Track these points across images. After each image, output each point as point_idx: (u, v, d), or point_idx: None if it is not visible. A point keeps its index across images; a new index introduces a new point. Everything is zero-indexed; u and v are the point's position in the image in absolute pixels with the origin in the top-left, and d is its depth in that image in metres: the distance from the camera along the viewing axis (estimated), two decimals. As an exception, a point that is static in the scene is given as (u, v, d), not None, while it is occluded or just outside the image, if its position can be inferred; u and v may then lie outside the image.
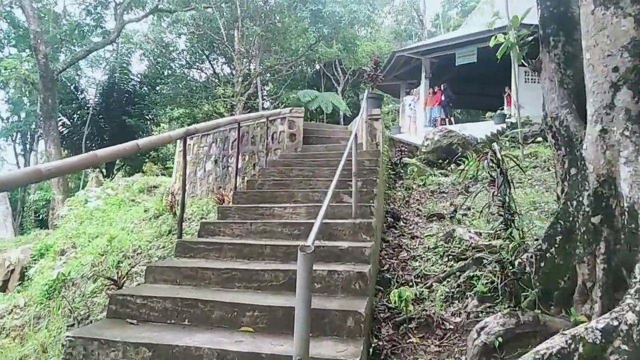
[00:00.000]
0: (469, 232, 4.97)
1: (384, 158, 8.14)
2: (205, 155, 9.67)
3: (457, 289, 4.20)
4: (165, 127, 22.69)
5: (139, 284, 5.08)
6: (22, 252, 9.94)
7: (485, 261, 4.25)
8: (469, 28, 16.19)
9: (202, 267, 4.00)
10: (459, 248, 4.79)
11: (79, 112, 24.04)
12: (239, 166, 8.58)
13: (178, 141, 10.51)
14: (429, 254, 5.12)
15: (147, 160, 22.26)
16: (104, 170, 24.70)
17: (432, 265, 4.85)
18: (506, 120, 13.42)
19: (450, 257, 4.75)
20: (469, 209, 6.34)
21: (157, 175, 14.47)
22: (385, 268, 4.93)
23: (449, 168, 8.91)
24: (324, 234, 4.74)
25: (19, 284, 9.48)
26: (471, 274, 4.24)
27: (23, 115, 25.55)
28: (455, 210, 6.43)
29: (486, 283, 4.02)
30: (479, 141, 9.80)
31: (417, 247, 5.44)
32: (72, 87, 24.12)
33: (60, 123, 23.43)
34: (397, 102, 20.18)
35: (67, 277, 7.26)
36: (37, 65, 18.42)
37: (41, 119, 19.31)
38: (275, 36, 20.19)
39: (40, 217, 22.25)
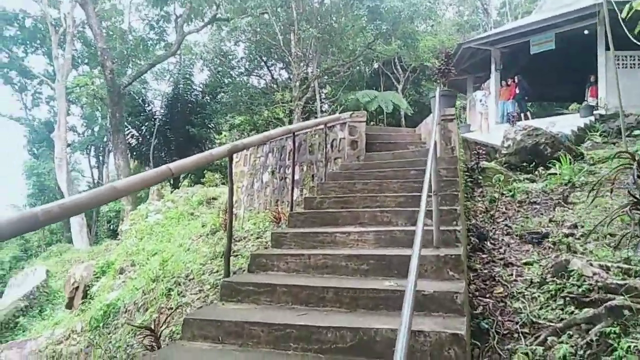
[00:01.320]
0: (591, 264, 3.73)
1: (460, 164, 6.97)
2: (262, 165, 8.92)
3: (587, 350, 3.04)
4: (226, 135, 22.49)
5: (174, 340, 4.32)
6: (86, 269, 9.71)
7: (627, 313, 3.05)
8: (542, 13, 14.40)
9: (249, 321, 3.12)
10: (579, 287, 3.58)
11: (146, 124, 24.49)
12: (296, 178, 7.73)
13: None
14: (534, 290, 3.94)
15: (211, 168, 22.17)
16: (171, 179, 25.09)
17: (541, 309, 3.68)
18: (594, 112, 11.64)
19: (568, 299, 3.55)
20: (575, 226, 5.04)
21: (216, 186, 14.03)
22: (478, 311, 3.82)
23: (536, 172, 7.53)
24: (397, 270, 3.73)
25: (82, 302, 9.22)
26: (606, 328, 3.06)
27: (96, 129, 26.48)
28: (553, 228, 5.17)
29: (634, 347, 2.84)
30: (564, 137, 8.31)
31: (515, 280, 4.27)
32: (139, 100, 24.60)
33: (129, 135, 24.02)
34: (463, 98, 18.60)
35: (121, 303, 6.75)
36: (105, 81, 18.78)
37: (110, 132, 19.68)
38: (332, 37, 19.30)
39: (112, 227, 22.82)
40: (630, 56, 12.16)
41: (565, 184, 6.76)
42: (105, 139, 26.27)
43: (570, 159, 7.28)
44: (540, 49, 13.38)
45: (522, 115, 13.22)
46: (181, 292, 5.87)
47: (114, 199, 2.96)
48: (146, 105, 25.27)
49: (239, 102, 21.90)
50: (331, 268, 3.89)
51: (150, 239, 9.82)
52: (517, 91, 13.63)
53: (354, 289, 3.38)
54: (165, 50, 21.69)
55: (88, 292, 9.27)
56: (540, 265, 4.38)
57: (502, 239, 5.36)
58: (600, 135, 10.88)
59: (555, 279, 3.86)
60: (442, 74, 6.72)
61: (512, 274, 4.39)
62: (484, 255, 4.92)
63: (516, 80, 13.73)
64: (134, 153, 24.61)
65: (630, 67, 12.16)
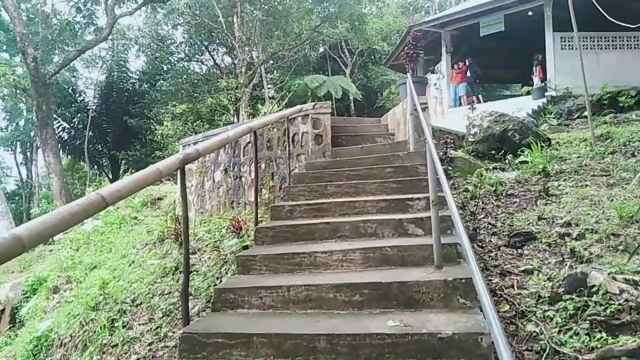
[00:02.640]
0: (614, 278, 3.22)
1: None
2: (213, 163, 7.95)
3: (635, 393, 2.51)
4: (168, 125, 20.89)
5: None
6: (12, 289, 8.35)
7: (681, 346, 2.54)
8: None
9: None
10: (605, 307, 3.06)
11: (78, 115, 22.37)
12: (254, 177, 6.86)
13: (181, 147, 8.82)
14: (546, 308, 3.39)
15: (152, 162, 20.54)
16: (110, 174, 23.16)
17: (561, 333, 3.13)
18: (545, 94, 11.53)
19: (595, 322, 3.03)
20: (568, 224, 4.58)
21: (161, 182, 12.78)
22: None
23: (505, 161, 7.11)
24: (397, 300, 3.05)
25: (10, 327, 7.92)
26: (655, 365, 2.54)
27: (22, 123, 23.84)
28: (544, 227, 4.70)
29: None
30: (531, 122, 7.96)
31: (519, 294, 3.71)
32: (69, 90, 22.38)
33: (60, 128, 21.82)
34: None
35: (54, 335, 5.65)
36: (27, 70, 16.66)
37: (37, 126, 17.60)
38: (277, 20, 18.19)
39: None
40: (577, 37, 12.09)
41: (539, 173, 6.37)
42: (32, 134, 23.77)
43: (540, 145, 6.91)
44: (489, 31, 13.13)
45: (474, 98, 12.95)
46: (127, 322, 4.90)
47: (101, 209, 2.29)
48: (77, 95, 23.08)
49: (180, 90, 20.33)
50: (316, 302, 3.13)
51: (88, 249, 8.60)
52: (469, 74, 13.34)
53: (351, 335, 2.65)
54: (96, 35, 19.58)
55: (16, 315, 7.97)
56: (543, 274, 3.86)
57: (490, 240, 4.83)
58: (554, 117, 10.78)
59: (572, 295, 3.32)
60: (410, 59, 6.04)
61: (513, 286, 3.84)
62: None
63: (467, 63, 13.43)
64: (67, 147, 22.45)
65: (576, 49, 12.11)
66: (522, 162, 6.87)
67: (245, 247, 5.28)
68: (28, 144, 24.97)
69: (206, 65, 23.33)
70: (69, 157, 22.87)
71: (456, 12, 13.61)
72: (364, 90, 20.99)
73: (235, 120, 18.86)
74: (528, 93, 12.05)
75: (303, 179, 5.32)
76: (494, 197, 5.94)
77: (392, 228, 3.94)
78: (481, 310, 3.01)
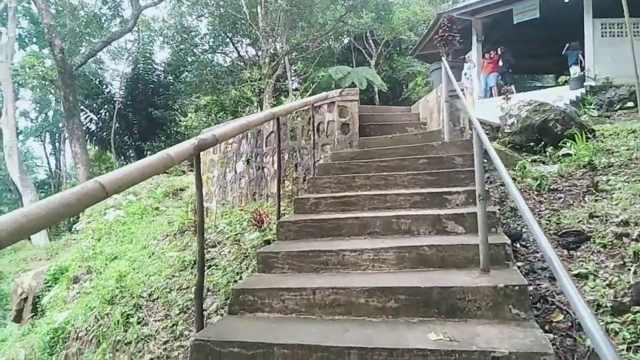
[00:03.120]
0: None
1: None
2: (235, 153, 7.63)
3: None
4: (192, 117, 20.72)
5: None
6: (35, 278, 8.25)
7: None
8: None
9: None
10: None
11: (105, 107, 22.46)
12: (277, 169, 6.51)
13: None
14: (610, 320, 2.92)
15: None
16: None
17: (629, 349, 2.67)
18: (584, 84, 10.80)
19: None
20: (626, 223, 4.06)
21: (183, 173, 12.56)
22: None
23: (545, 153, 6.56)
24: (438, 308, 2.63)
25: (32, 316, 7.81)
26: None
27: (50, 114, 24.11)
28: (596, 225, 4.18)
29: None
30: (574, 112, 7.33)
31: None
32: (96, 82, 22.46)
33: (87, 119, 21.95)
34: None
35: (71, 327, 5.44)
36: (55, 61, 16.72)
37: (65, 116, 17.68)
38: (301, 10, 17.74)
39: (71, 218, 20.91)
40: (618, 24, 11.31)
41: (584, 166, 5.81)
42: (61, 125, 24.03)
43: (585, 137, 6.33)
44: (523, 18, 12.38)
45: (506, 89, 12.28)
46: (142, 318, 4.62)
47: (99, 200, 2.05)
48: (104, 86, 23.15)
49: (204, 82, 20.14)
50: (345, 307, 2.75)
51: (110, 239, 8.42)
52: (501, 63, 12.65)
53: (387, 350, 2.25)
54: (121, 26, 19.57)
55: (38, 304, 7.85)
56: (600, 280, 3.38)
57: (534, 240, 4.34)
58: (594, 108, 10.07)
59: (641, 306, 2.85)
60: (445, 42, 5.55)
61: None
62: (520, 263, 3.89)
63: (499, 52, 12.73)
64: (94, 138, 22.59)
65: (618, 36, 11.33)
66: (564, 155, 6.30)
67: (267, 242, 4.94)
68: (57, 134, 25.27)
69: (230, 57, 23.09)
70: (97, 147, 23.02)
71: (488, -2, 12.89)
72: (389, 82, 20.38)
73: (259, 112, 18.56)
74: (565, 83, 11.30)
75: (329, 170, 4.93)
76: (535, 193, 5.42)
77: (429, 225, 3.52)
78: (537, 323, 2.58)
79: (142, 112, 21.83)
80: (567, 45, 12.58)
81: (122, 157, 24.32)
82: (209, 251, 5.64)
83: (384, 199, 4.01)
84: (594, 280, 3.39)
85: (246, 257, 5.11)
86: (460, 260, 3.04)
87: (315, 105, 5.75)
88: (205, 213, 7.69)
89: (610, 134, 7.04)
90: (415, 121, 6.29)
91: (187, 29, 21.15)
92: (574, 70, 12.07)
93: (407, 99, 19.89)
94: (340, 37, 22.15)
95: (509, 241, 3.11)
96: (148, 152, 22.32)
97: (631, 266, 3.40)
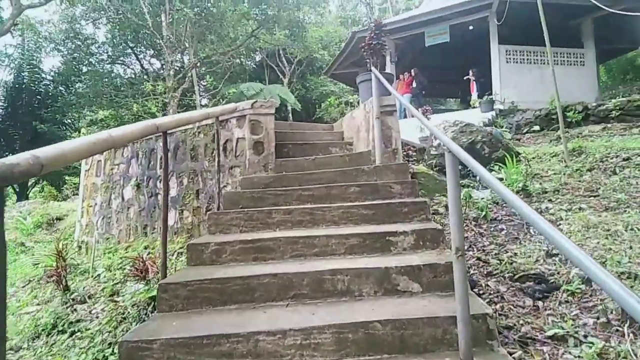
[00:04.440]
0: None
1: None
2: (123, 176, 6.12)
3: None
4: (85, 133, 18.15)
5: None
6: None
7: None
8: (435, 3, 13.41)
9: None
10: None
11: (-19, 121, 19.00)
12: (173, 195, 5.19)
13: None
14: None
15: (66, 173, 17.71)
16: (17, 187, 19.81)
17: None
18: (494, 107, 10.82)
19: None
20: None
21: (65, 199, 10.48)
22: None
23: (475, 177, 6.00)
24: None
25: None
26: None
27: None
28: (554, 266, 3.50)
29: None
30: (499, 134, 6.95)
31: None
32: (-32, 92, 18.98)
33: (-42, 134, 18.36)
34: (353, 91, 17.19)
35: None
36: None
37: None
38: (210, 23, 16.41)
39: None
40: (520, 51, 11.62)
41: (518, 192, 5.28)
42: None
43: (513, 160, 5.87)
44: (435, 41, 12.33)
45: (419, 110, 12.03)
46: None
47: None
48: (-22, 97, 19.63)
49: (101, 94, 17.82)
50: None
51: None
52: (414, 85, 12.43)
53: None
54: (-1, 27, 16.64)
55: None
56: (586, 345, 2.60)
57: (487, 285, 3.54)
58: (505, 130, 10.03)
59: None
60: (374, 52, 4.71)
61: (546, 363, 2.54)
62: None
63: (413, 74, 12.51)
64: (-33, 157, 18.90)
65: (521, 63, 11.63)
66: (500, 180, 5.77)
67: (154, 298, 3.61)
68: None
69: (132, 68, 20.90)
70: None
71: (402, 19, 12.69)
72: (302, 102, 19.64)
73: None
74: (476, 105, 11.27)
75: (238, 200, 3.75)
76: (473, 223, 4.72)
77: (375, 282, 2.51)
78: None
79: (25, 127, 18.79)
80: (469, 71, 12.81)
81: (0, 177, 20.67)
82: (76, 309, 4.14)
83: (312, 243, 2.94)
84: (578, 346, 2.59)
85: (124, 318, 3.71)
86: (427, 341, 2.06)
87: (221, 119, 4.56)
88: (83, 249, 6.03)
89: (534, 157, 6.73)
90: (339, 141, 5.36)
91: (82, 35, 18.72)
92: (473, 97, 12.28)
93: (320, 119, 19.30)
94: (252, 54, 21.06)
95: (490, 310, 2.19)
96: (31, 172, 19.17)
97: (619, 325, 2.67)
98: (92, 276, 5.01)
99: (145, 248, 5.30)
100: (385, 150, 4.48)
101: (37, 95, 19.73)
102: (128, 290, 3.98)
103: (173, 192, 5.26)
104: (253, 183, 4.12)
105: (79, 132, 19.54)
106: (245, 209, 3.49)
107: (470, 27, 12.61)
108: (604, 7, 7.78)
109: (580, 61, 11.61)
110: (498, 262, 3.76)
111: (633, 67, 18.19)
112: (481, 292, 3.45)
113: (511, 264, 3.68)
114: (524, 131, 10.18)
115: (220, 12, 16.37)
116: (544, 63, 11.54)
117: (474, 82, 12.69)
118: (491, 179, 1.82)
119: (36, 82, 19.85)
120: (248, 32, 17.32)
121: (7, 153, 19.48)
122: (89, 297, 4.30)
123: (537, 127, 9.96)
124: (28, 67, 19.74)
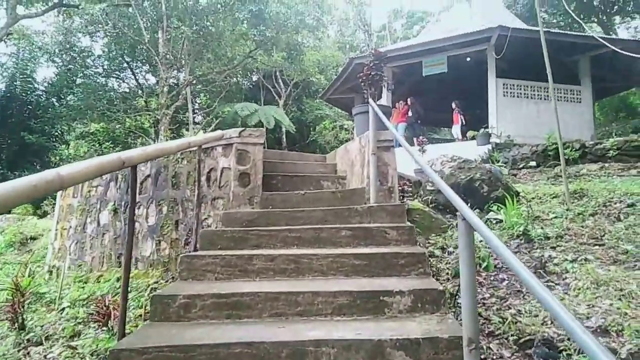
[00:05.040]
0: None
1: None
2: (100, 199, 5.70)
3: None
4: (72, 147, 17.69)
5: None
6: None
7: None
8: (434, 33, 13.33)
9: None
10: None
11: (-34, 129, 18.46)
12: (151, 223, 4.77)
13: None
14: None
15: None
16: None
17: None
18: (490, 140, 10.59)
19: None
20: (605, 330, 3.03)
21: (43, 216, 9.97)
22: None
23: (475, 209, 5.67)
24: None
25: None
26: None
27: None
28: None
29: None
30: (498, 172, 6.65)
31: None
32: (-42, 100, 18.49)
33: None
34: (348, 117, 16.97)
35: None
36: None
37: None
38: (209, 42, 16.21)
39: None
40: (517, 85, 11.48)
41: (519, 237, 4.93)
42: None
43: (513, 200, 5.54)
44: (432, 71, 12.17)
45: (415, 140, 11.78)
46: None
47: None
48: (-33, 106, 19.13)
49: (94, 107, 17.42)
50: None
51: None
52: (410, 114, 12.21)
53: None
54: (-7, 36, 16.32)
55: None
56: None
57: (489, 347, 3.14)
58: (502, 165, 9.77)
59: None
60: (372, 82, 4.41)
61: None
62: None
63: (409, 102, 12.30)
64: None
65: (517, 97, 11.47)
66: (496, 222, 5.44)
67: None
68: None
69: (127, 83, 20.57)
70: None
71: (400, 47, 12.55)
72: (297, 124, 19.39)
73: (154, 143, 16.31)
74: (473, 138, 11.04)
75: (216, 241, 3.35)
76: (472, 269, 4.32)
77: (366, 357, 2.11)
78: None
79: (13, 136, 18.28)
80: (452, 103, 12.69)
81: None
82: (29, 352, 3.66)
83: (294, 300, 2.54)
84: None
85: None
86: None
87: (206, 146, 4.19)
88: (54, 274, 5.57)
89: (533, 197, 6.42)
90: (331, 174, 5.01)
91: (77, 47, 18.41)
92: (455, 130, 12.12)
93: (315, 142, 19.05)
94: (249, 74, 20.88)
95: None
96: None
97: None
98: (56, 309, 4.54)
99: (118, 280, 4.86)
100: (380, 188, 4.12)
101: (28, 105, 19.29)
102: (89, 335, 3.52)
103: (152, 221, 4.84)
104: (236, 219, 3.73)
105: (68, 145, 19.09)
106: (224, 253, 3.09)
107: (468, 59, 12.52)
108: (606, 43, 7.63)
109: (577, 98, 11.48)
110: (500, 320, 3.37)
111: (626, 106, 18.25)
112: (483, 356, 3.07)
113: (515, 323, 3.29)
114: (520, 166, 9.93)
115: (219, 31, 16.20)
116: (540, 98, 11.40)
117: (458, 113, 12.53)
118: (499, 245, 1.46)
119: (28, 92, 19.42)
120: (246, 53, 17.14)
121: (-7, 162, 18.91)
122: (47, 339, 3.82)
123: (533, 163, 9.71)
124: (21, 76, 19.35)
